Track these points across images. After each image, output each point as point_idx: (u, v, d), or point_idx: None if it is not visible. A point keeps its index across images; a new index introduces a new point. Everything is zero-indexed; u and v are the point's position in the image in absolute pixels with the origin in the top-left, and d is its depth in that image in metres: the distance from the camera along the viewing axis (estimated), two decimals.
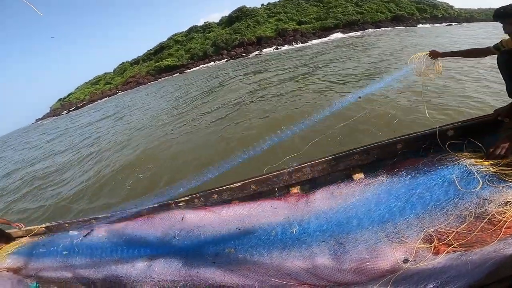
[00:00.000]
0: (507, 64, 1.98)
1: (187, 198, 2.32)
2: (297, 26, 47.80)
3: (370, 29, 43.37)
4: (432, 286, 1.14)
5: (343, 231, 1.55)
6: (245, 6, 56.37)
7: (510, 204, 1.43)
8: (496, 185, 1.54)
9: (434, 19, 52.48)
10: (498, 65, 2.04)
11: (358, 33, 40.48)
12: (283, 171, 2.17)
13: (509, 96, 2.03)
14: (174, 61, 49.99)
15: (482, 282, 1.15)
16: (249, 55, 39.57)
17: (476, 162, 1.74)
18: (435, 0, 59.35)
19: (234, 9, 57.63)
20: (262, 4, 60.02)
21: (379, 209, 1.62)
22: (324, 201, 1.86)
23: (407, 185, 1.75)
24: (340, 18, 47.74)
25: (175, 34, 59.06)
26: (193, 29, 58.24)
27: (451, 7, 60.23)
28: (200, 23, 61.94)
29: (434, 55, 2.28)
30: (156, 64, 52.19)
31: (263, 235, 1.70)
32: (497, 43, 1.99)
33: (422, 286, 1.15)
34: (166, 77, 45.61)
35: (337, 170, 2.13)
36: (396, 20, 49.36)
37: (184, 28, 61.53)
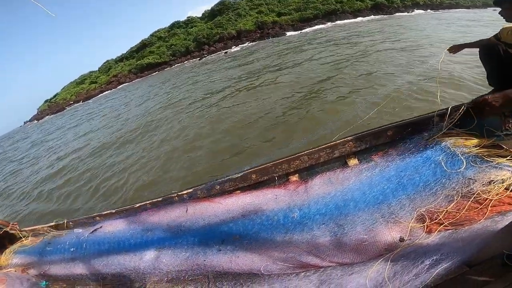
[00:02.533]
0: (486, 58, 2.11)
1: (190, 190, 2.35)
2: (276, 18, 46.59)
3: (347, 20, 42.20)
4: (428, 263, 1.19)
5: (342, 214, 1.62)
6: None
7: (494, 183, 1.50)
8: (479, 165, 1.62)
9: (415, 6, 50.98)
10: (480, 58, 2.16)
11: (326, 26, 39.11)
12: (281, 160, 2.23)
13: (490, 85, 2.16)
14: (156, 58, 48.10)
15: (474, 259, 1.21)
16: (216, 53, 38.11)
17: (459, 144, 1.82)
18: None
19: (216, 2, 55.98)
20: None
21: (374, 192, 1.70)
22: (322, 187, 1.93)
23: (398, 168, 1.83)
24: (320, 8, 46.56)
25: (158, 30, 56.73)
26: (176, 25, 56.05)
27: None
28: (189, 15, 59.87)
29: (453, 49, 2.38)
30: (138, 62, 50.56)
31: (266, 221, 1.76)
32: (497, 33, 2.10)
33: (418, 263, 1.21)
34: (147, 76, 43.80)
35: (333, 158, 2.21)
36: (376, 8, 48.22)
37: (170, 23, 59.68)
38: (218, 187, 2.30)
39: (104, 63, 61.37)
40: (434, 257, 1.21)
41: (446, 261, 1.18)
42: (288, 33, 39.93)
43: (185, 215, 2.16)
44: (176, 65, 44.14)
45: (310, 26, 41.77)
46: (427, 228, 1.41)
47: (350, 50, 11.88)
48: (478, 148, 1.76)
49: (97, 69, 62.13)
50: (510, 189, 1.47)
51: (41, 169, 8.95)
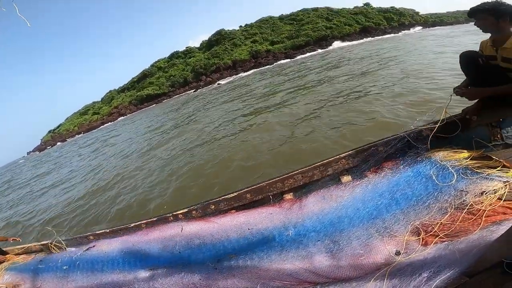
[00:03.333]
0: (467, 69, 2.17)
1: (185, 210, 2.34)
2: (269, 47, 47.71)
3: (334, 44, 43.94)
4: (426, 275, 1.17)
5: (337, 230, 1.61)
6: (223, 29, 56.10)
7: (486, 194, 1.52)
8: (470, 177, 1.65)
9: (402, 27, 53.87)
10: (461, 69, 2.21)
11: (317, 52, 39.70)
12: (276, 179, 2.25)
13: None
14: (155, 89, 48.17)
15: (473, 269, 1.19)
16: (212, 85, 37.74)
17: (449, 157, 1.86)
18: (402, 8, 61.26)
19: (213, 33, 57.27)
20: (240, 26, 59.72)
21: (368, 207, 1.71)
22: (317, 204, 1.94)
23: (391, 183, 1.86)
24: (311, 35, 47.99)
25: (158, 61, 57.47)
26: (175, 55, 56.90)
27: (417, 13, 61.99)
28: (189, 45, 62.22)
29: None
30: (138, 93, 50.32)
31: (262, 240, 1.75)
32: (479, 48, 2.19)
33: (416, 276, 1.18)
34: (147, 108, 43.37)
35: (327, 175, 2.24)
36: (364, 32, 50.34)
37: (177, 51, 59.79)
38: (213, 206, 2.30)
39: (107, 93, 61.44)
40: (432, 269, 1.19)
41: (444, 273, 1.15)
42: (280, 61, 40.62)
43: (180, 234, 2.13)
44: (174, 97, 43.52)
45: (302, 54, 42.65)
46: (422, 240, 1.41)
47: (347, 83, 10.54)
48: (467, 160, 1.79)
49: (100, 99, 62.28)
50: (503, 199, 1.47)
51: None
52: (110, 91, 61.23)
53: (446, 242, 1.34)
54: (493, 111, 2.08)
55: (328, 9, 58.97)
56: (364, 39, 46.26)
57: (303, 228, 1.72)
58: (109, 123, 44.62)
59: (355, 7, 60.15)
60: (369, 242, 1.47)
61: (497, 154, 1.94)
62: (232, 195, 2.28)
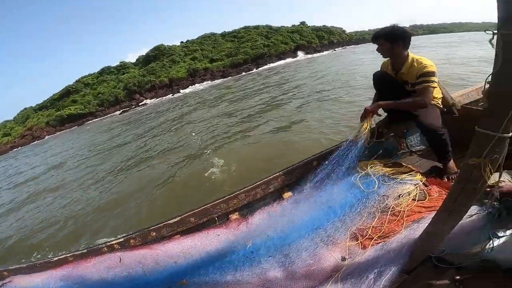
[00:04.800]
0: (378, 87, 2.38)
1: (120, 240, 2.14)
2: (208, 65, 46.16)
3: (270, 64, 43.52)
4: (372, 276, 1.27)
5: (285, 244, 1.66)
6: (162, 45, 52.45)
7: (402, 197, 1.78)
8: (388, 183, 1.92)
9: (331, 45, 57.25)
10: (374, 87, 2.41)
11: (255, 71, 38.60)
12: (219, 200, 2.24)
13: (384, 111, 2.42)
14: (79, 109, 40.62)
15: (409, 266, 1.33)
16: (136, 107, 34.05)
17: (370, 167, 2.15)
18: (333, 26, 65.13)
19: (152, 48, 53.01)
20: (181, 42, 56.91)
21: (310, 219, 1.82)
22: (263, 221, 1.99)
23: (326, 194, 2.03)
24: (249, 53, 48.12)
25: (85, 76, 49.56)
26: (106, 70, 50.37)
27: (344, 31, 66.48)
28: (128, 58, 56.23)
29: (371, 111, 2.18)
30: (58, 113, 41.43)
31: (213, 262, 1.70)
32: (380, 68, 2.37)
33: (364, 278, 1.27)
34: (68, 129, 36.18)
35: (269, 192, 2.35)
36: (298, 50, 52.36)
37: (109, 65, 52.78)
38: (154, 233, 2.17)
39: (22, 111, 49.06)
40: (375, 270, 1.29)
41: (386, 272, 1.26)
42: (217, 81, 38.66)
43: (119, 265, 1.92)
44: (101, 117, 37.19)
45: (238, 73, 41.33)
46: (361, 244, 1.53)
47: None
48: (384, 168, 2.09)
49: (12, 118, 49.16)
50: (416, 200, 1.73)
51: None
52: (26, 108, 49.11)
53: (380, 244, 1.48)
54: (398, 124, 2.42)
55: (268, 27, 59.82)
56: (296, 58, 47.77)
57: (253, 246, 1.74)
58: (21, 147, 36.66)
59: (292, 26, 62.38)
60: (317, 251, 1.54)
61: (405, 160, 2.29)
62: (174, 220, 2.18)
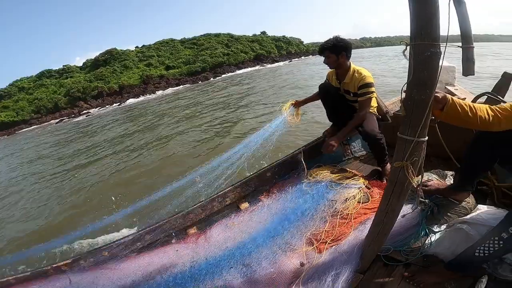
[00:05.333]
0: (323, 99, 2.55)
1: (69, 261, 1.93)
2: (164, 72, 43.45)
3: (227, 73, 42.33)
4: (330, 279, 1.32)
5: (245, 254, 1.67)
6: (115, 49, 47.94)
7: (348, 200, 1.90)
8: (335, 188, 2.05)
9: (289, 55, 57.38)
10: (320, 100, 2.58)
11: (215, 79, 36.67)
12: (175, 216, 2.17)
13: (330, 121, 2.66)
14: (11, 116, 34.07)
15: (362, 266, 1.41)
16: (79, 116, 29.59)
17: (319, 174, 2.28)
18: (291, 37, 65.15)
19: (102, 52, 47.53)
20: (136, 47, 52.62)
21: (267, 228, 1.86)
22: (222, 233, 1.98)
23: (281, 203, 2.11)
24: (208, 61, 46.30)
25: (20, 80, 42.76)
26: (46, 74, 44.22)
27: (302, 42, 67.24)
28: (76, 62, 50.12)
29: (296, 104, 2.64)
30: None
31: (173, 278, 1.64)
32: (326, 79, 2.52)
33: (323, 282, 1.33)
34: None
35: (226, 205, 2.35)
36: (257, 60, 51.82)
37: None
38: (107, 252, 2.01)
39: None
40: (332, 273, 1.35)
41: (342, 274, 1.33)
42: (171, 89, 36.56)
43: (69, 286, 1.75)
44: (37, 125, 31.58)
45: (194, 82, 39.66)
46: (317, 249, 1.60)
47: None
48: (331, 174, 2.23)
49: None
50: (361, 202, 1.88)
51: None
52: None
53: (334, 247, 1.57)
54: None
55: (230, 35, 58.17)
56: (256, 67, 47.26)
57: (214, 258, 1.72)
58: None
59: (253, 35, 61.49)
60: (276, 259, 1.57)
61: (350, 165, 2.49)
62: (128, 238, 2.05)
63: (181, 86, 38.84)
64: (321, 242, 1.64)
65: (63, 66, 47.62)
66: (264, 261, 1.58)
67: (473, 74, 1.04)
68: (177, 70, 45.71)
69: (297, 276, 1.46)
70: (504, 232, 1.11)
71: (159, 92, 35.45)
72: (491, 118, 1.16)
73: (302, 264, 1.52)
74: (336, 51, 2.17)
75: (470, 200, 1.59)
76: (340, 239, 1.63)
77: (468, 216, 1.48)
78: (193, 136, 8.64)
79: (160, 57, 49.53)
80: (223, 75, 42.77)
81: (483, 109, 1.17)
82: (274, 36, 65.26)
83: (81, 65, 49.46)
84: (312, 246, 1.63)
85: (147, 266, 1.80)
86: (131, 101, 32.48)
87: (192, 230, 2.19)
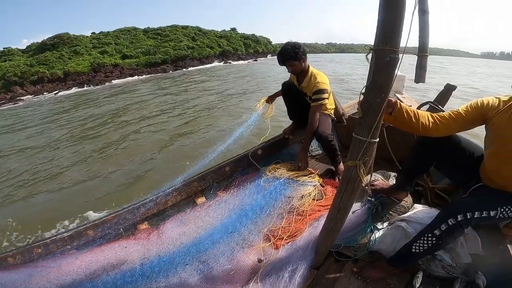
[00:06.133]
0: (285, 96, 2.63)
1: None
2: (119, 61, 40.42)
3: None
4: (287, 275, 1.34)
5: (201, 250, 1.62)
6: (67, 33, 43.04)
7: (304, 197, 1.95)
8: (293, 185, 2.09)
9: (256, 54, 56.75)
10: (282, 96, 2.65)
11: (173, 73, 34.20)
12: (124, 210, 2.01)
13: (290, 119, 2.73)
14: None
15: (316, 262, 1.45)
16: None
17: (277, 170, 2.31)
18: (261, 36, 64.04)
19: (52, 35, 41.93)
20: (93, 32, 47.83)
21: (224, 224, 1.83)
22: (176, 229, 1.89)
23: (239, 199, 2.09)
24: (170, 53, 44.28)
25: None
26: None
27: (270, 42, 66.73)
28: (22, 44, 43.26)
29: (268, 100, 2.71)
30: None
31: (121, 277, 1.53)
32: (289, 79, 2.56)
33: (281, 278, 1.34)
34: None
35: (182, 199, 2.25)
36: (223, 56, 50.64)
37: None
38: (40, 250, 1.77)
39: None
40: (289, 268, 1.37)
41: (298, 269, 1.35)
42: (121, 80, 33.22)
43: None
44: None
45: (150, 73, 37.27)
46: (274, 245, 1.60)
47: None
48: (288, 171, 2.28)
49: None
50: (316, 199, 1.94)
51: None
52: None
53: (290, 243, 1.59)
54: (301, 131, 2.64)
55: (198, 29, 55.96)
56: (219, 63, 46.14)
57: (167, 255, 1.63)
58: None
59: (222, 31, 59.83)
60: (234, 255, 1.54)
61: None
62: (66, 234, 1.83)
63: (136, 76, 36.43)
64: (278, 238, 1.66)
65: (4, 48, 41.72)
66: (222, 257, 1.55)
67: (424, 82, 1.11)
68: (134, 60, 42.90)
69: (255, 272, 1.46)
70: (437, 229, 1.23)
71: (108, 83, 32.50)
72: (431, 125, 1.29)
73: (259, 261, 1.52)
74: (298, 58, 2.24)
75: (408, 199, 1.76)
76: (296, 235, 1.67)
77: (406, 215, 1.63)
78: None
79: (118, 45, 46.05)
80: (184, 69, 41.26)
81: (425, 116, 1.30)
82: (243, 33, 64.38)
83: (25, 48, 43.80)
84: (270, 242, 1.64)
85: (90, 264, 1.64)
86: (69, 91, 28.94)
87: (143, 226, 2.06)
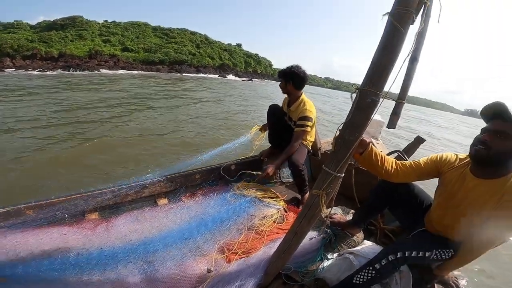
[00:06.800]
0: (268, 118, 2.69)
1: None
2: (118, 52, 40.22)
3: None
4: None
5: (150, 251, 1.54)
6: (81, 17, 42.78)
7: (266, 218, 1.97)
8: (258, 205, 2.12)
9: (254, 74, 56.60)
10: (267, 117, 2.70)
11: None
12: (75, 195, 1.86)
13: (269, 142, 2.78)
14: None
15: (264, 281, 1.42)
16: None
17: (246, 188, 2.34)
18: (263, 57, 64.43)
19: (66, 16, 41.56)
20: (105, 20, 48.03)
21: (181, 229, 1.78)
22: (128, 225, 1.80)
23: (202, 208, 2.08)
24: (170, 55, 44.35)
25: None
26: None
27: (271, 65, 66.95)
28: (38, 20, 40.78)
29: (261, 128, 2.81)
30: None
31: (48, 263, 1.42)
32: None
33: None
34: None
35: (142, 196, 2.15)
36: (220, 69, 50.48)
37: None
38: None
39: None
40: (237, 283, 1.33)
41: (245, 286, 1.32)
42: (104, 71, 32.56)
43: None
44: None
45: (143, 70, 36.88)
46: (227, 258, 1.58)
47: None
48: (256, 191, 2.32)
49: None
50: (276, 222, 1.96)
51: None
52: None
53: (243, 258, 1.56)
54: (277, 156, 2.60)
55: (205, 37, 56.32)
56: (216, 75, 45.75)
57: (110, 250, 1.54)
58: None
59: (228, 44, 60.06)
60: (183, 261, 1.49)
61: (275, 188, 2.58)
62: (3, 209, 1.63)
63: (125, 71, 36.20)
64: (232, 252, 1.64)
65: (14, 21, 41.63)
66: (170, 261, 1.49)
67: (394, 128, 1.18)
68: (133, 54, 42.82)
69: (202, 281, 1.42)
70: (377, 263, 1.31)
71: (97, 72, 31.83)
72: (392, 171, 1.39)
73: (209, 271, 1.49)
74: (286, 78, 2.32)
75: (360, 235, 1.86)
76: (250, 252, 1.65)
77: (355, 248, 1.70)
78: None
79: (124, 37, 46.11)
80: (177, 74, 40.92)
81: (389, 162, 1.39)
82: (247, 51, 64.92)
83: (35, 23, 43.30)
84: (223, 254, 1.62)
85: (17, 245, 1.51)
86: (51, 72, 27.67)
87: (92, 216, 1.91)
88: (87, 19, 45.02)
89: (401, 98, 1.13)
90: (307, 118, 2.31)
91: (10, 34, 37.00)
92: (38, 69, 28.99)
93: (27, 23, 42.42)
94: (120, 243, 1.63)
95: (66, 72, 28.11)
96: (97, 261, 1.45)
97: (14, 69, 28.35)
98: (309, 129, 2.35)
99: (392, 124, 1.16)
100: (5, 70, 27.02)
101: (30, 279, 1.33)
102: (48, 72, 26.86)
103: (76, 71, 29.70)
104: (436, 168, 1.40)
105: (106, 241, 1.64)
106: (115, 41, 43.65)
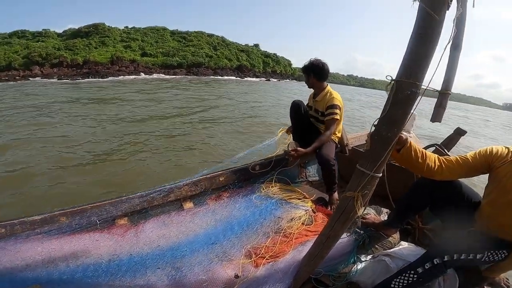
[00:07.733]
0: (291, 115, 2.62)
1: None
2: (137, 58, 41.28)
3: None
4: None
5: (177, 257, 1.54)
6: (104, 24, 44.60)
7: (294, 220, 1.91)
8: (284, 206, 2.05)
9: (273, 74, 55.57)
10: (290, 114, 2.64)
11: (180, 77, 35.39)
12: (105, 202, 1.90)
13: (293, 139, 2.71)
14: None
15: (293, 286, 1.37)
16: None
17: (271, 189, 2.30)
18: (282, 57, 63.12)
19: (89, 24, 43.70)
20: (126, 26, 49.67)
21: (207, 233, 1.76)
22: (156, 230, 1.81)
23: (228, 211, 2.04)
24: (187, 58, 44.67)
25: None
26: (18, 33, 40.29)
27: (290, 64, 65.25)
28: (66, 28, 42.95)
29: (288, 131, 2.77)
30: None
31: (82, 269, 1.45)
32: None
33: None
34: None
35: (169, 201, 2.16)
36: (238, 70, 50.08)
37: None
38: (4, 230, 1.64)
39: None
40: None
41: None
42: (130, 77, 33.63)
43: None
44: None
45: (165, 74, 37.73)
46: (254, 263, 1.53)
47: None
48: (282, 192, 2.24)
49: None
50: (305, 224, 1.88)
51: None
52: None
53: (271, 263, 1.51)
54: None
55: (222, 39, 56.24)
56: (233, 77, 45.49)
57: (139, 255, 1.55)
58: None
59: (245, 45, 59.28)
60: (211, 267, 1.46)
61: (301, 188, 2.51)
62: (36, 217, 1.68)
63: (142, 75, 37.34)
64: (259, 257, 1.60)
65: (43, 29, 44.24)
66: (197, 267, 1.47)
67: (440, 121, 1.07)
68: (152, 58, 43.72)
69: (229, 287, 1.39)
70: (420, 267, 1.21)
71: (115, 78, 33.04)
72: (436, 167, 1.27)
73: (236, 276, 1.45)
74: (307, 72, 2.37)
75: (396, 236, 1.73)
76: (278, 256, 1.60)
77: (391, 250, 1.59)
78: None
79: (144, 42, 47.44)
80: (194, 76, 41.34)
81: (431, 158, 1.27)
82: (265, 51, 63.37)
83: (61, 31, 45.96)
84: (250, 259, 1.58)
85: (52, 252, 1.54)
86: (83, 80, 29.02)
87: (122, 221, 1.95)
88: (109, 26, 46.96)
89: (446, 89, 1.02)
90: (335, 106, 2.29)
91: (39, 42, 39.04)
92: (64, 77, 30.25)
93: (54, 31, 44.78)
94: (148, 248, 1.64)
95: (90, 79, 29.22)
96: (127, 267, 1.46)
97: (40, 78, 29.93)
98: (338, 116, 2.31)
99: (436, 117, 1.05)
100: (30, 79, 28.37)
101: (64, 287, 1.36)
102: (80, 81, 28.38)
103: (96, 77, 31.18)
104: (486, 163, 1.28)
105: (136, 246, 1.66)
106: (135, 47, 45.01)
